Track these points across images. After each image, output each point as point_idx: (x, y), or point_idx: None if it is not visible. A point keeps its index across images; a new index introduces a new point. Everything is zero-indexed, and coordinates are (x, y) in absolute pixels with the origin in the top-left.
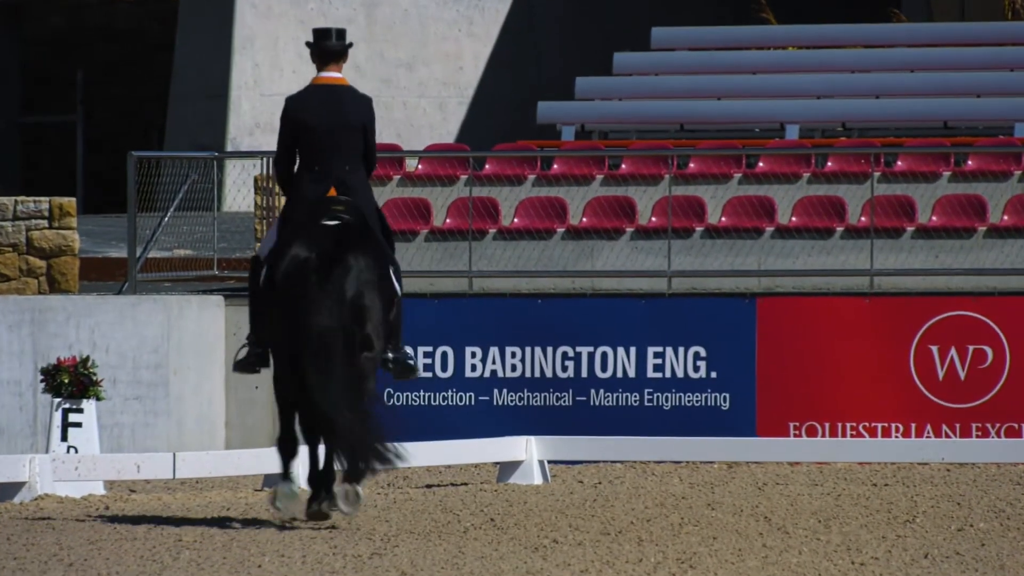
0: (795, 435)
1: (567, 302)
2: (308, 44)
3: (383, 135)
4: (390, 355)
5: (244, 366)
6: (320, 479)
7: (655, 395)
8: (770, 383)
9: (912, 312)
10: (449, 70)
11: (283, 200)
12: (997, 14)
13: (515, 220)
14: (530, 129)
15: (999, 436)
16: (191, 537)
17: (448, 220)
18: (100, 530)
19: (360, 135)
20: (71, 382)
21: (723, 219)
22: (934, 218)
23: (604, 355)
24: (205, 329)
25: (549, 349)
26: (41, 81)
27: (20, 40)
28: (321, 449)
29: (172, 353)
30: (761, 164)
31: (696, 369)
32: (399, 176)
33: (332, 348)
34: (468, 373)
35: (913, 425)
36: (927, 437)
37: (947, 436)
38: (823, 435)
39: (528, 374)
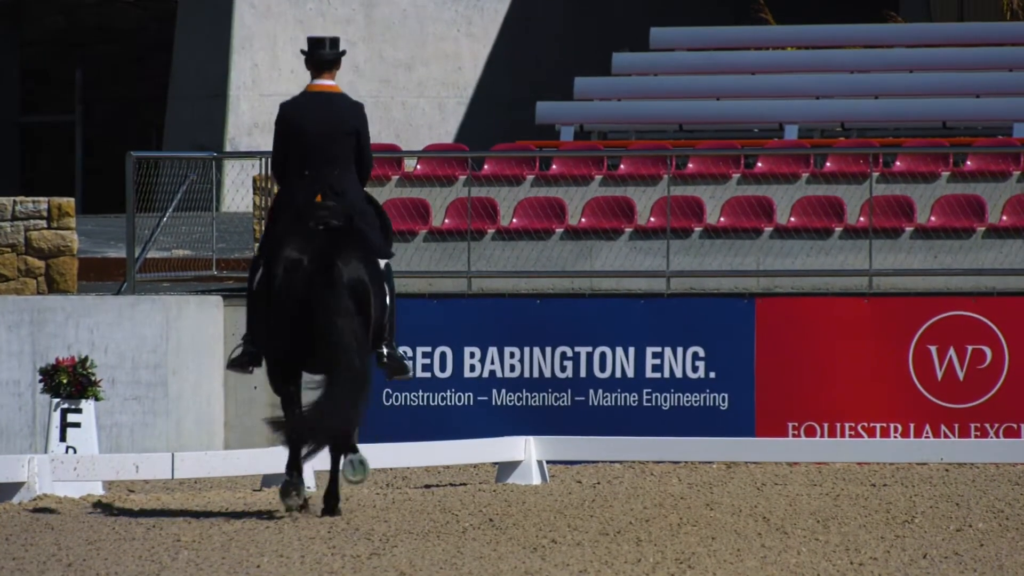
0: (794, 435)
1: (566, 302)
2: (303, 52)
3: (382, 135)
4: (384, 350)
5: (237, 364)
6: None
7: (654, 395)
8: (769, 383)
9: (911, 312)
10: (448, 70)
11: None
12: (996, 14)
13: (514, 220)
14: (529, 129)
15: (998, 436)
16: (190, 537)
17: (447, 220)
18: (99, 530)
19: (351, 141)
20: (70, 382)
21: (722, 219)
22: (933, 218)
23: (603, 355)
24: (204, 329)
25: (548, 349)
26: (40, 81)
27: (19, 40)
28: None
29: (171, 353)
30: (760, 164)
31: (695, 369)
32: (398, 176)
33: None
34: (467, 373)
35: (912, 425)
36: (926, 437)
37: (946, 436)
38: (822, 435)
39: (527, 374)
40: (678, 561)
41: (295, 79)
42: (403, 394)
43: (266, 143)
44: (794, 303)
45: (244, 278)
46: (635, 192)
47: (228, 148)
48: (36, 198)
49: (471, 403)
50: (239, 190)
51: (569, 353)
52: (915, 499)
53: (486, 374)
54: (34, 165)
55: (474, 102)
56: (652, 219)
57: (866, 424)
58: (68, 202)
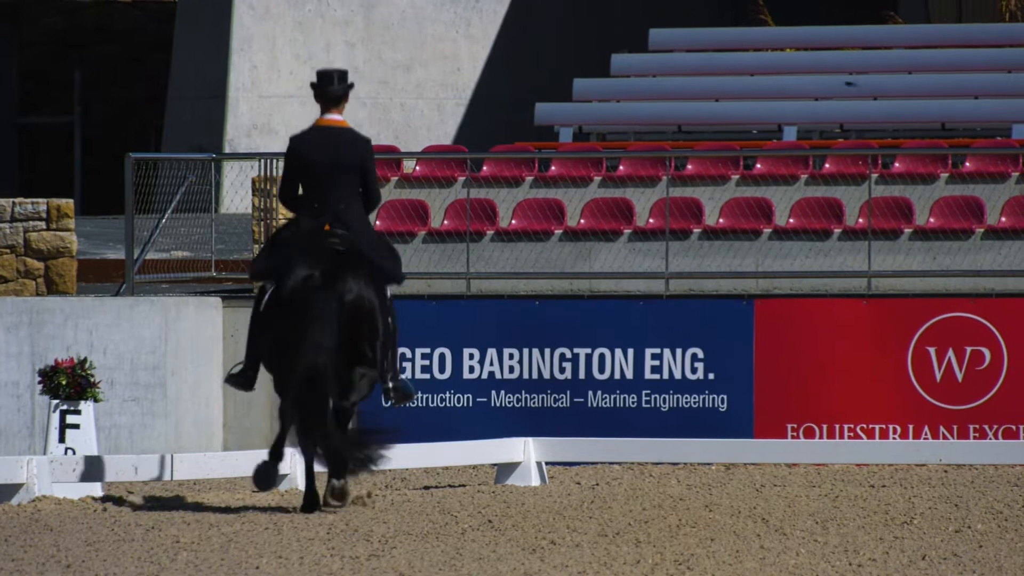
0: (793, 436)
1: (565, 303)
2: (312, 85)
3: (381, 137)
4: (390, 384)
5: (234, 381)
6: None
7: (653, 396)
8: (768, 384)
9: (910, 314)
10: (447, 71)
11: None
12: (994, 16)
13: (513, 221)
14: (528, 130)
15: (997, 437)
16: (189, 538)
17: (446, 221)
18: (98, 532)
19: (356, 174)
20: (69, 383)
21: (721, 220)
22: (932, 220)
23: (602, 356)
24: (203, 331)
25: (547, 350)
26: (39, 82)
27: (18, 41)
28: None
29: (170, 355)
30: (759, 165)
31: (694, 371)
32: (396, 177)
33: (321, 374)
34: (466, 375)
35: (911, 426)
36: (925, 439)
37: (945, 438)
38: (821, 436)
39: (526, 375)
40: (677, 562)
41: (294, 80)
42: None
43: (265, 145)
44: (793, 304)
45: (244, 279)
46: (634, 193)
47: (227, 149)
48: (35, 199)
49: (470, 404)
50: (238, 191)
51: (568, 354)
52: (914, 500)
53: (485, 375)
54: (33, 166)
55: (473, 103)
56: (651, 220)
57: (865, 425)
58: (67, 203)
